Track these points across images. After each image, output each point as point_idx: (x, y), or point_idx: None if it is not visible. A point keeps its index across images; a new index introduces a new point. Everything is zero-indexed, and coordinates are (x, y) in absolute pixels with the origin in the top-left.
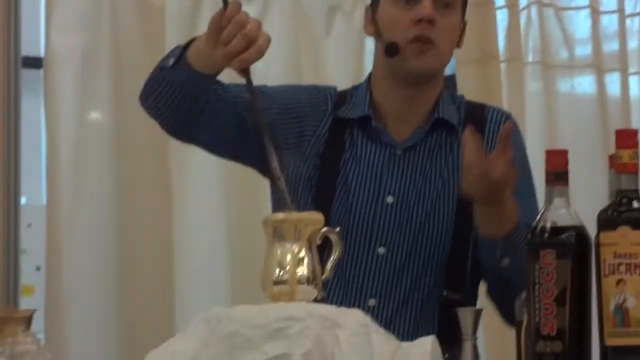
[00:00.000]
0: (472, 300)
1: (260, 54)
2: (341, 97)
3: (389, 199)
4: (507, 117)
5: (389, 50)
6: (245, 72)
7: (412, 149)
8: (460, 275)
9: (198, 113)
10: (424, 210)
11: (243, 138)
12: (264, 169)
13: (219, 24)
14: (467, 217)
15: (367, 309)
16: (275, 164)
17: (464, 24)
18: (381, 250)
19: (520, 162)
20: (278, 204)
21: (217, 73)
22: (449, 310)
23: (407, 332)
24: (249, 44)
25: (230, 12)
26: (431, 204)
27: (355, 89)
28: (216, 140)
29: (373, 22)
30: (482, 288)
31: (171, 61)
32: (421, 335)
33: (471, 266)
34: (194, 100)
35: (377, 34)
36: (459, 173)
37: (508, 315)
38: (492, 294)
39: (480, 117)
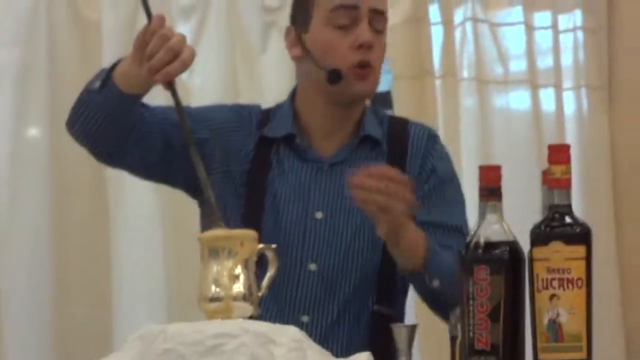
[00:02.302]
0: (401, 314)
1: (184, 67)
2: (265, 116)
3: (318, 215)
4: (429, 131)
5: (332, 77)
6: (170, 85)
7: (339, 165)
8: (391, 290)
9: (126, 136)
10: (354, 225)
11: (170, 159)
12: (193, 190)
13: (143, 39)
14: None
15: (301, 325)
16: (203, 174)
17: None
18: (312, 266)
19: (443, 173)
20: (206, 221)
21: (144, 92)
22: (380, 325)
23: (341, 348)
24: (173, 57)
25: (154, 27)
26: (360, 218)
27: (278, 107)
28: (143, 164)
29: (300, 45)
30: (413, 300)
31: (98, 84)
32: (355, 351)
33: (401, 281)
34: (121, 123)
35: (307, 58)
36: None
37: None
38: (430, 307)
39: (403, 132)
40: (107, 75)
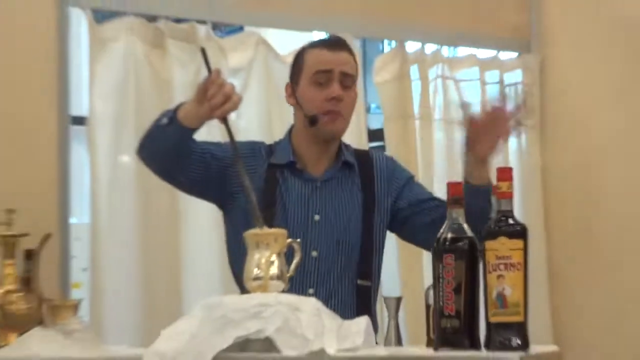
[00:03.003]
0: (376, 286)
1: (235, 107)
2: (270, 149)
3: (316, 217)
4: (386, 157)
5: (311, 121)
6: (224, 120)
7: (328, 182)
8: (369, 270)
9: (181, 161)
10: (341, 224)
11: (208, 181)
12: (220, 205)
13: (205, 86)
14: (369, 228)
15: (307, 295)
16: (247, 183)
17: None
18: (314, 253)
19: (406, 177)
20: (233, 224)
21: (200, 127)
22: (362, 293)
23: (336, 311)
24: (226, 100)
25: (214, 77)
26: (345, 219)
27: (277, 143)
28: (189, 182)
29: (294, 96)
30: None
31: (165, 120)
32: (345, 312)
33: (376, 263)
34: (179, 151)
35: (298, 106)
36: (357, 199)
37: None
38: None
39: (367, 159)
40: (173, 114)
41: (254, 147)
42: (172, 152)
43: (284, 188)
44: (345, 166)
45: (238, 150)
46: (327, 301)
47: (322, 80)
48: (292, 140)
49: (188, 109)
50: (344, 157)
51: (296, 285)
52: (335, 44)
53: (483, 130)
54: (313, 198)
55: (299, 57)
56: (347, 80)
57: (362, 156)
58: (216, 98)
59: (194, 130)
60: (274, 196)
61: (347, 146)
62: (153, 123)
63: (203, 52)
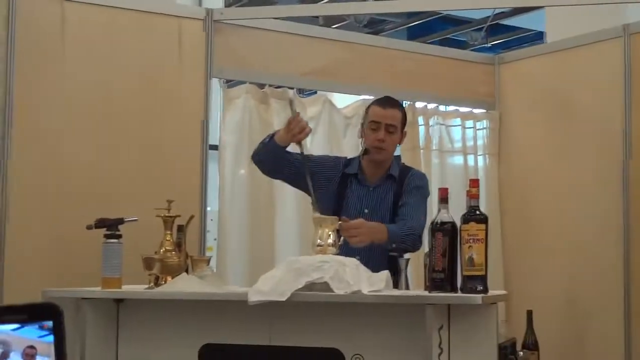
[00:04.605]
0: (402, 255)
1: (305, 136)
2: (348, 161)
3: (366, 210)
4: (420, 173)
5: (364, 152)
6: (299, 143)
7: (377, 188)
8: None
9: (277, 163)
10: (380, 215)
11: (296, 177)
12: (308, 194)
13: (289, 122)
14: (395, 218)
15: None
16: (311, 190)
17: (403, 133)
18: None
19: (414, 189)
20: (317, 207)
21: (286, 145)
22: (391, 260)
23: (375, 270)
24: (301, 131)
25: (295, 117)
26: (383, 212)
27: (353, 158)
28: (286, 177)
29: (363, 134)
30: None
31: (267, 139)
32: (379, 270)
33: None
34: (277, 158)
35: (363, 140)
36: (392, 199)
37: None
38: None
39: (406, 173)
40: (271, 136)
41: (336, 161)
42: (272, 158)
43: (349, 189)
44: (390, 177)
45: (307, 161)
46: (369, 264)
47: (374, 127)
48: (361, 159)
49: (280, 134)
50: (389, 172)
51: (348, 253)
52: (385, 102)
53: (346, 234)
54: (366, 198)
55: (367, 109)
56: (391, 128)
57: (404, 171)
58: (295, 130)
59: (284, 147)
60: (344, 193)
61: (398, 163)
62: (261, 141)
63: (290, 101)
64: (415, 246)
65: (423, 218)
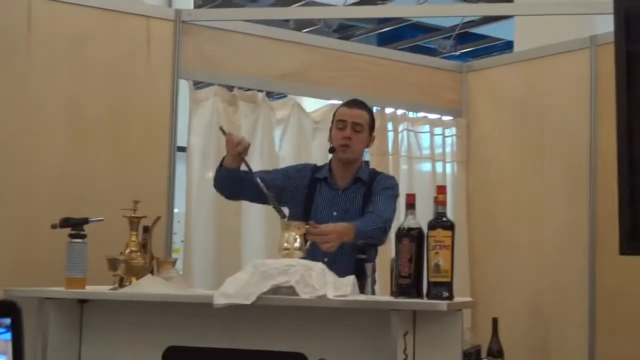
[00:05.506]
0: (371, 259)
1: (245, 149)
2: (317, 168)
3: (334, 213)
4: (389, 177)
5: (330, 150)
6: (244, 160)
7: (346, 191)
8: (364, 248)
9: (236, 187)
10: (350, 218)
11: (261, 197)
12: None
13: (226, 143)
14: None
15: (324, 262)
16: (267, 192)
17: (372, 137)
18: None
19: (383, 189)
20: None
21: (236, 166)
22: (359, 265)
23: (340, 275)
24: (238, 144)
25: (227, 138)
26: (352, 215)
27: (323, 165)
28: (250, 198)
29: (330, 136)
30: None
31: (218, 165)
32: (347, 275)
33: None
34: (232, 181)
35: (330, 141)
36: (360, 202)
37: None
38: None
39: (374, 177)
40: (221, 161)
41: (303, 167)
42: (228, 182)
43: (318, 193)
44: (359, 181)
45: (253, 175)
46: (335, 268)
47: (341, 126)
48: (330, 163)
49: (226, 157)
50: (357, 175)
51: (316, 255)
52: (352, 103)
53: (316, 240)
54: (335, 200)
55: (335, 111)
56: (357, 127)
57: (373, 174)
58: (231, 149)
59: (235, 168)
60: (312, 197)
61: (367, 167)
62: (217, 166)
63: (221, 129)
64: (381, 240)
65: (390, 212)
